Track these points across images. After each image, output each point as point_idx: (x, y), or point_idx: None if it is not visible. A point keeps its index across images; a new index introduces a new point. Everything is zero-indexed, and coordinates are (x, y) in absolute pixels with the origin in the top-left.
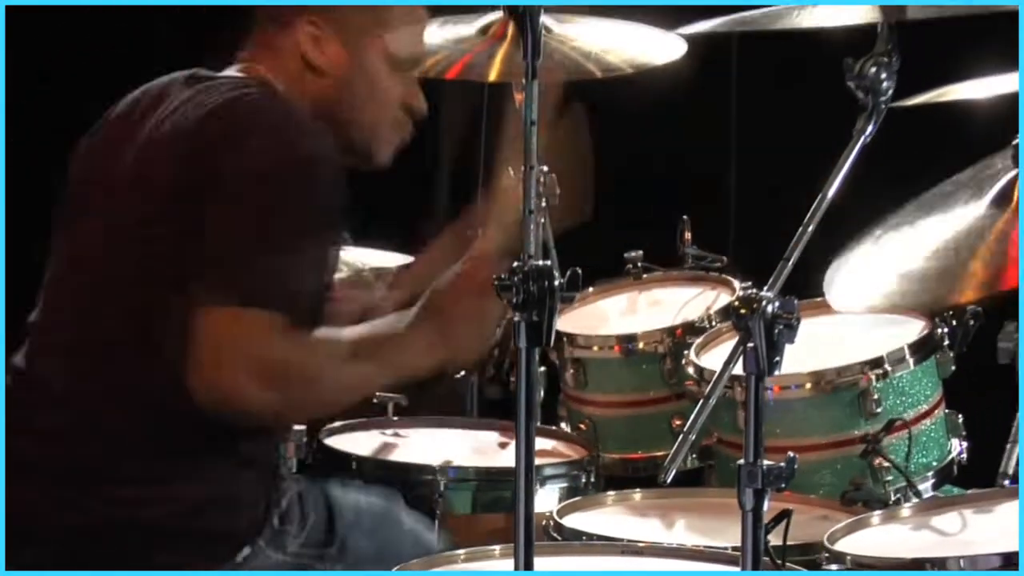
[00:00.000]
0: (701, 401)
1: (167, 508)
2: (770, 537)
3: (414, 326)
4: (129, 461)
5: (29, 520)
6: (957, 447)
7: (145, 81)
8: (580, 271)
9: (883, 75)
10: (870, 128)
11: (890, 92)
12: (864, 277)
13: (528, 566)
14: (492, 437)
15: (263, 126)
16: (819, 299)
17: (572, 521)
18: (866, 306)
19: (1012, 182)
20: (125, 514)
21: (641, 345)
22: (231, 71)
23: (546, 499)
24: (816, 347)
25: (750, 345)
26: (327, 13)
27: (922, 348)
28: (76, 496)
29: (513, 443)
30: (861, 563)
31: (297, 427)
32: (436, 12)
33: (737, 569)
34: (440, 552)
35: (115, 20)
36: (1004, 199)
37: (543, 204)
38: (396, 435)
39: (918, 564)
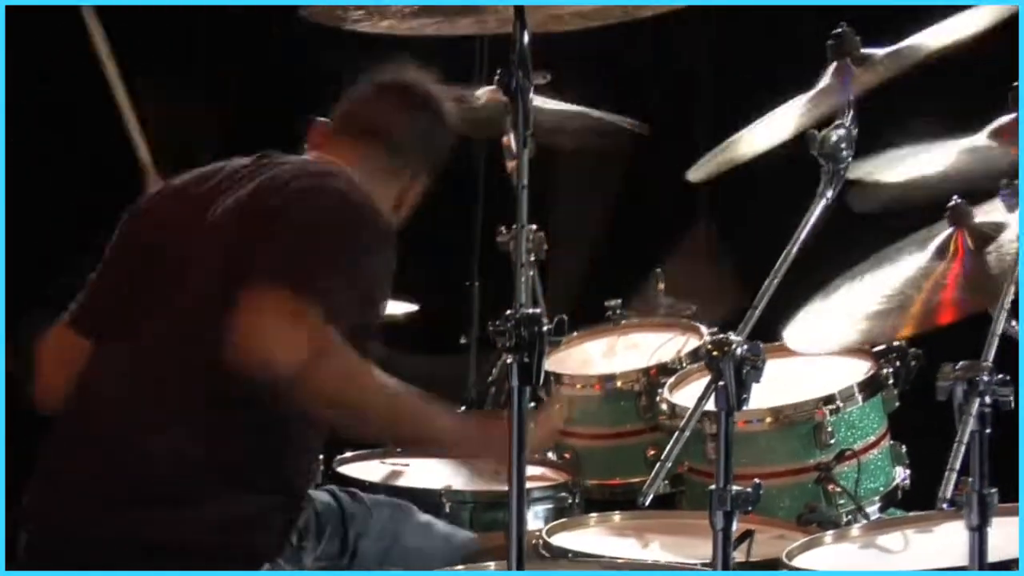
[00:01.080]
0: (676, 433)
1: (197, 529)
2: (735, 553)
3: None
4: (167, 487)
5: (64, 534)
6: (901, 474)
7: (144, 82)
8: (566, 318)
9: (842, 145)
10: (831, 192)
11: (849, 160)
12: (822, 322)
13: None
14: (488, 465)
15: (331, 186)
16: (777, 343)
17: (559, 539)
18: (823, 348)
19: (949, 238)
20: (155, 533)
21: (619, 384)
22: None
23: (535, 520)
24: (775, 386)
25: (721, 383)
26: (423, 177)
27: (870, 386)
28: (112, 514)
29: (506, 470)
30: None
31: None
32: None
33: None
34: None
35: (114, 20)
36: (943, 252)
37: (532, 259)
38: (401, 464)
39: None
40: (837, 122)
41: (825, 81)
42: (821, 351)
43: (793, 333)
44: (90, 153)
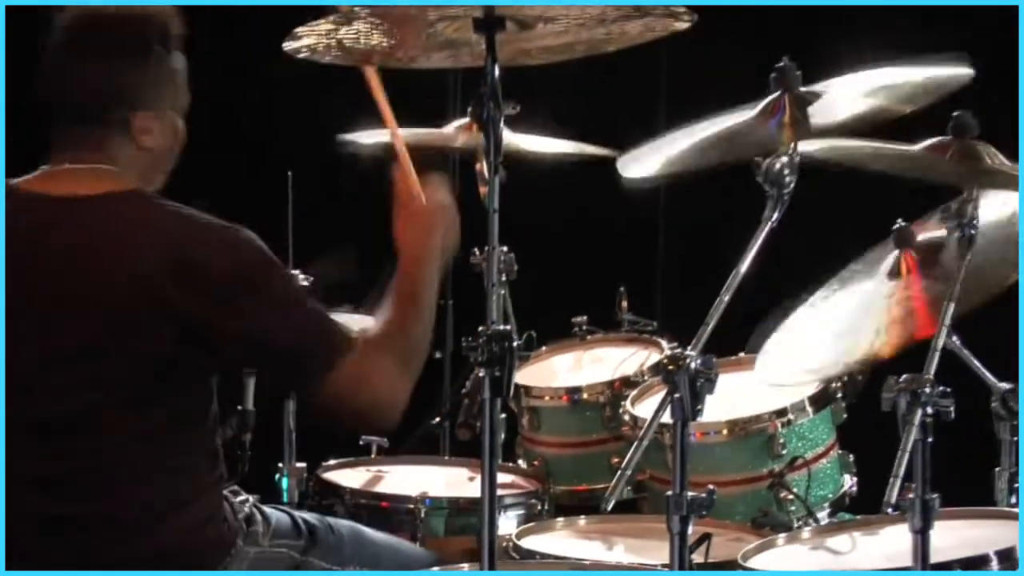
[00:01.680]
0: (636, 443)
1: (171, 536)
2: (693, 556)
3: (401, 275)
4: (153, 497)
5: (62, 538)
6: (849, 481)
7: None
8: (535, 334)
9: (785, 171)
10: (775, 215)
11: (792, 185)
12: (795, 352)
13: None
14: (462, 472)
15: (212, 241)
16: (734, 357)
17: (528, 543)
18: (802, 378)
19: (897, 260)
20: (130, 550)
21: (585, 396)
22: (101, 181)
23: (507, 524)
24: (731, 399)
25: (676, 396)
26: (152, 101)
27: (819, 400)
28: (87, 539)
29: (479, 477)
30: None
31: (298, 464)
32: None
33: None
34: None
35: None
36: (895, 273)
37: (503, 278)
38: (380, 471)
39: None
40: (779, 151)
41: (759, 110)
42: (802, 382)
43: (768, 367)
44: None
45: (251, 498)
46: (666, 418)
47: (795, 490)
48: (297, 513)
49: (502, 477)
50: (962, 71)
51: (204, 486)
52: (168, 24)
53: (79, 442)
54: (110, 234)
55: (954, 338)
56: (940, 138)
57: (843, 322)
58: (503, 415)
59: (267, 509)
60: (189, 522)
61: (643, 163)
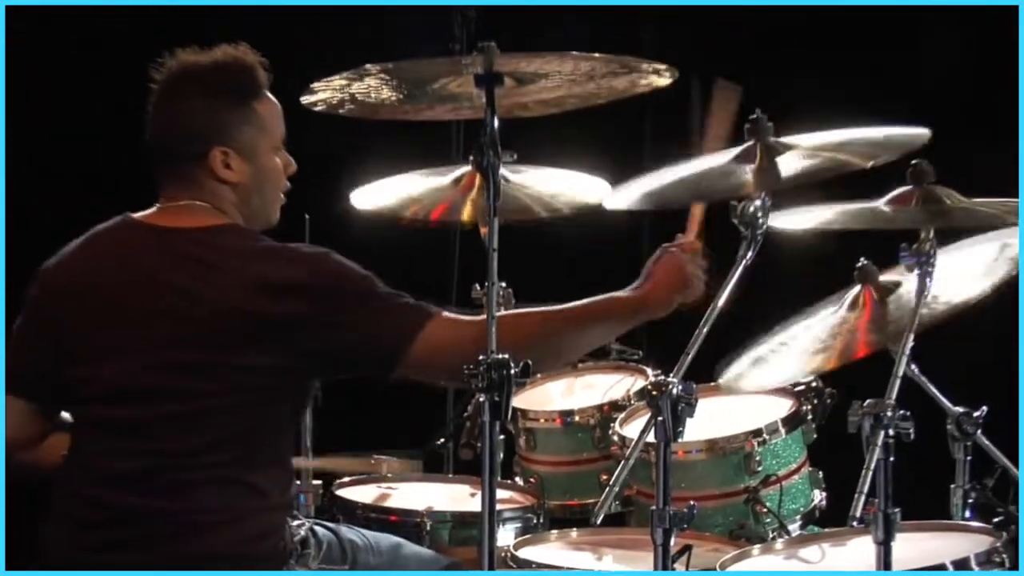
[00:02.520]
0: (623, 462)
1: (237, 542)
2: (676, 565)
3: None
4: (212, 514)
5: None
6: (818, 496)
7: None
8: (531, 362)
9: (759, 214)
10: (750, 254)
11: (765, 227)
12: (764, 366)
13: None
14: (464, 489)
15: (298, 257)
16: (713, 384)
17: (524, 553)
18: (764, 386)
19: (858, 294)
20: (200, 552)
21: (577, 418)
22: (199, 216)
23: (505, 536)
24: (710, 420)
25: (659, 419)
26: (229, 138)
27: (791, 421)
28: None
29: (480, 493)
30: None
31: (315, 481)
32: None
33: None
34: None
35: (114, 20)
36: (853, 305)
37: (502, 311)
38: (390, 488)
39: None
40: (753, 195)
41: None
42: (764, 389)
43: (738, 375)
44: (90, 156)
45: (308, 522)
46: (651, 438)
47: (769, 504)
48: (344, 532)
49: (501, 493)
50: (920, 132)
51: (272, 506)
52: (251, 71)
53: (151, 443)
54: (207, 261)
55: (913, 366)
56: (901, 189)
57: (799, 343)
58: (501, 436)
59: (320, 531)
60: (245, 533)
61: (626, 196)
